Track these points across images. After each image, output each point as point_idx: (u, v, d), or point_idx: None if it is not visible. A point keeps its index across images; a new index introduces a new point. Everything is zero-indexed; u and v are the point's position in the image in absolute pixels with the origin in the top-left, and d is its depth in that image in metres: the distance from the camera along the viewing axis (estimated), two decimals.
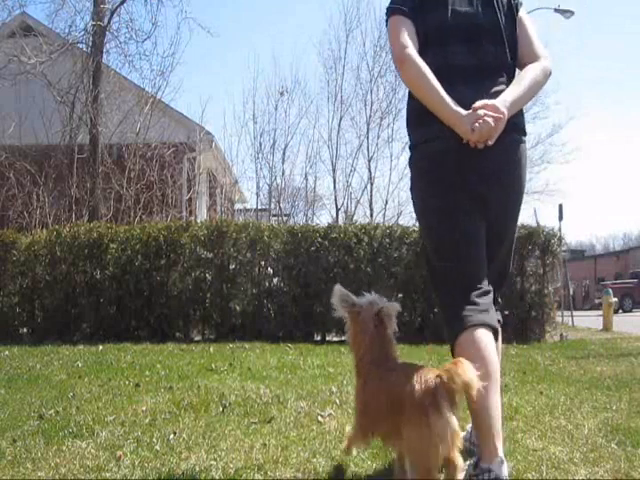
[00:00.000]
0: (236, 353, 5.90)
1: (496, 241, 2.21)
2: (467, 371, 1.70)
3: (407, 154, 2.37)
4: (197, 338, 7.72)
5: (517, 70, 2.25)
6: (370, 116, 17.04)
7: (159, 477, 2.12)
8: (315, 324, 7.60)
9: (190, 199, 13.16)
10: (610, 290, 11.95)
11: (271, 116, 15.69)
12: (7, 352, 5.93)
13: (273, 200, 15.70)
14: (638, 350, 6.48)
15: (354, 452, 2.26)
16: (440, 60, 2.15)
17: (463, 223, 2.13)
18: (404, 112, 2.39)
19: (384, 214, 16.13)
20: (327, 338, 7.63)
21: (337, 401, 3.38)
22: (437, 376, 1.75)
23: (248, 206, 17.10)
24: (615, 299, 12.55)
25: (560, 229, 10.82)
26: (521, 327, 7.84)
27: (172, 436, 2.62)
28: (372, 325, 1.97)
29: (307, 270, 7.61)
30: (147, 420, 2.96)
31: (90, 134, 11.50)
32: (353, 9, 28.12)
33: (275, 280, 7.98)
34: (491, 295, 2.13)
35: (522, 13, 2.29)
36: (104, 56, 12.18)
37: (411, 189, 2.34)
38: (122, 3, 12.26)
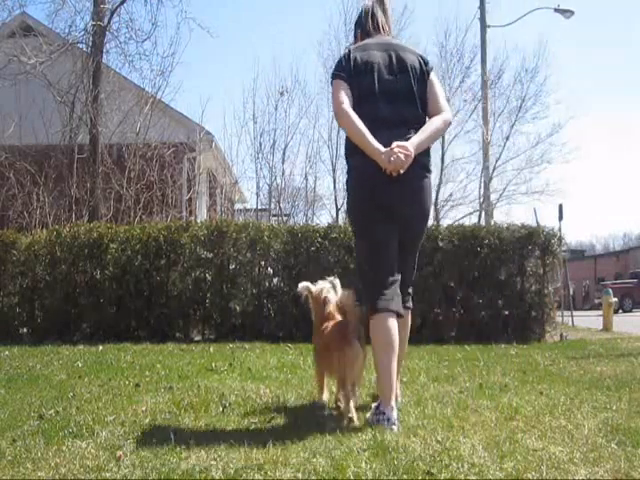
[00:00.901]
0: (236, 353, 5.90)
1: (407, 247, 3.04)
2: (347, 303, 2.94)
3: None
4: (197, 338, 7.72)
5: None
6: None
7: (159, 477, 2.12)
8: None
9: (190, 199, 13.15)
10: (610, 290, 11.93)
11: (271, 116, 15.63)
12: (7, 352, 5.93)
13: (273, 200, 15.67)
14: (638, 350, 6.47)
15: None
16: (372, 114, 2.93)
17: (378, 234, 2.94)
18: None
19: None
20: None
21: None
22: (345, 321, 2.90)
23: (248, 206, 17.08)
24: (615, 299, 12.52)
25: (560, 229, 10.79)
26: (521, 327, 7.83)
27: (172, 436, 2.62)
28: (321, 301, 3.16)
29: (307, 270, 7.60)
30: (147, 420, 2.97)
31: (90, 134, 11.49)
32: (353, 9, 27.97)
33: (275, 280, 7.98)
34: (397, 285, 2.95)
35: (432, 76, 3.08)
36: (104, 56, 12.15)
37: (347, 197, 3.18)
38: (122, 3, 12.24)
